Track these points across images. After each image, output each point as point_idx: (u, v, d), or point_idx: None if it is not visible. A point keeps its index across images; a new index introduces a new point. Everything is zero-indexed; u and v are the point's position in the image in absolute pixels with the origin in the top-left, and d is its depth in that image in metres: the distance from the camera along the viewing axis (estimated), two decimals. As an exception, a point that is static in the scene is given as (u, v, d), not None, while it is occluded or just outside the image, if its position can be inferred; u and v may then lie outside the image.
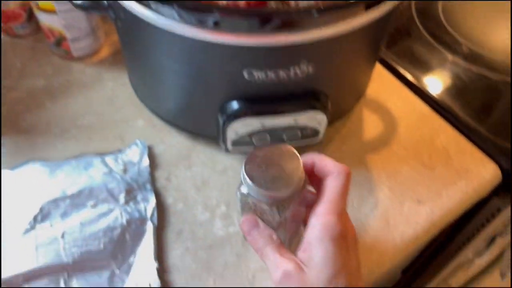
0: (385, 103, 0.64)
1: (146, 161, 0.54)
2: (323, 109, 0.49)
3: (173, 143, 0.57)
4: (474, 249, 0.81)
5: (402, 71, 0.67)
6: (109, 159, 0.53)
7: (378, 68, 0.68)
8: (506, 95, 0.66)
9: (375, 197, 0.54)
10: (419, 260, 0.78)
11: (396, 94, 0.65)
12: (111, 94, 0.61)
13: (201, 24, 0.39)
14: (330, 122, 0.56)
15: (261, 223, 0.40)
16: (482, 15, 0.80)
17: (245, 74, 0.44)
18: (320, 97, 0.49)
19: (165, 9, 0.39)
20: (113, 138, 0.57)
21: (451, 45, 0.73)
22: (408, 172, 0.57)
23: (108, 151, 0.55)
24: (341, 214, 0.36)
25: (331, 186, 0.37)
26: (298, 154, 0.38)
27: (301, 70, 0.44)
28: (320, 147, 0.58)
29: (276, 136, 0.51)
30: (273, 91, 0.47)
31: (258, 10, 0.39)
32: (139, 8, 0.40)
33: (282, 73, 0.44)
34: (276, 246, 0.38)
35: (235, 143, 0.51)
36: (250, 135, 0.50)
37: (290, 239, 0.44)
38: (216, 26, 0.38)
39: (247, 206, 0.40)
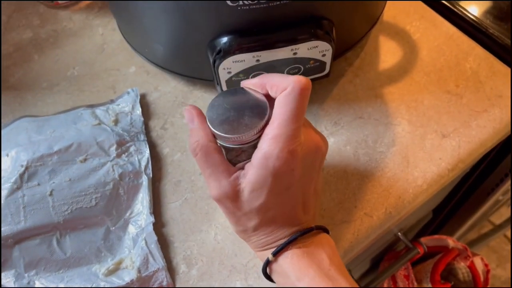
0: (405, 26, 0.56)
1: (138, 110, 0.50)
2: (326, 37, 0.43)
3: (168, 89, 0.53)
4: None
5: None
6: (99, 111, 0.49)
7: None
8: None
9: (393, 133, 0.48)
10: (452, 199, 0.72)
11: (418, 15, 0.57)
12: (101, 41, 0.57)
13: None
14: (340, 53, 0.50)
15: (198, 119, 0.35)
16: None
17: (228, 1, 0.38)
18: (322, 23, 0.43)
19: None
20: (104, 88, 0.53)
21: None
22: (431, 102, 0.50)
23: (100, 102, 0.51)
24: (290, 140, 0.31)
25: (280, 106, 0.32)
26: (266, 100, 0.34)
27: (294, -10, 0.38)
28: (329, 82, 0.52)
29: (275, 72, 0.45)
30: (265, 20, 0.41)
31: None
32: None
33: (271, -4, 0.38)
34: (207, 157, 0.33)
35: (230, 83, 0.46)
36: (246, 73, 0.45)
37: None
38: None
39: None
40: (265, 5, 0.39)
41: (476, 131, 0.48)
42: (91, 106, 0.51)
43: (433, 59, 0.53)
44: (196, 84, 0.53)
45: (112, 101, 0.51)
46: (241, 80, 0.46)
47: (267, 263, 0.35)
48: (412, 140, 0.48)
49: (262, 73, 0.45)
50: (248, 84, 0.36)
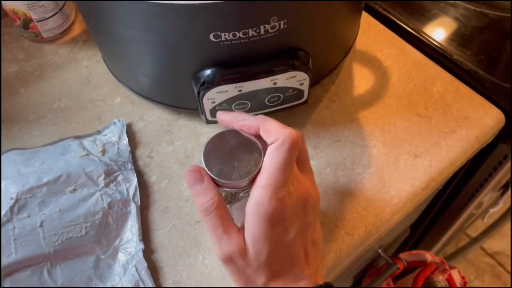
0: (376, 54, 0.59)
1: (125, 140, 0.52)
2: (304, 67, 0.46)
3: (153, 118, 0.55)
4: (486, 198, 0.78)
5: (392, 17, 0.63)
6: (86, 142, 0.51)
7: (367, 17, 0.63)
8: (506, 33, 0.61)
9: (369, 155, 0.51)
10: (427, 215, 0.75)
11: (388, 43, 0.61)
12: (87, 73, 0.59)
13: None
14: (317, 81, 0.53)
15: (207, 178, 0.35)
16: None
17: (212, 37, 0.40)
18: (299, 54, 0.46)
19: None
20: (91, 119, 0.55)
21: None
22: (403, 125, 0.53)
23: (87, 133, 0.52)
24: (278, 188, 0.33)
25: (271, 157, 0.34)
26: (260, 146, 0.36)
27: (273, 27, 0.41)
28: (308, 108, 0.55)
29: (257, 101, 0.48)
30: (247, 53, 0.43)
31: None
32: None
33: (252, 32, 0.41)
34: (221, 215, 0.34)
35: (214, 113, 0.48)
36: (229, 102, 0.47)
37: None
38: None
39: None
40: (245, 40, 0.41)
41: (445, 151, 0.51)
42: (79, 137, 0.52)
43: (403, 84, 0.56)
44: (180, 113, 0.55)
45: (99, 132, 0.53)
46: (225, 109, 0.48)
47: None
48: (387, 161, 0.51)
49: (245, 102, 0.47)
50: (243, 125, 0.37)
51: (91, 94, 0.57)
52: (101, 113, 0.55)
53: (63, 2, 0.60)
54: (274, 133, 0.34)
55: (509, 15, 0.62)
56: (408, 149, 0.51)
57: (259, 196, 0.33)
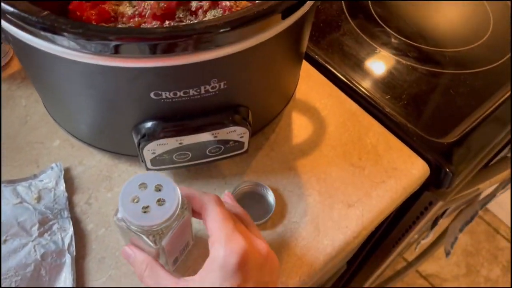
0: (315, 103, 0.62)
1: (62, 186, 0.51)
2: (244, 122, 0.47)
3: (93, 163, 0.54)
4: (417, 232, 0.83)
5: (330, 68, 0.66)
6: (21, 188, 0.50)
7: (307, 66, 0.67)
8: (432, 88, 0.66)
9: (305, 203, 0.54)
10: (362, 252, 0.79)
11: (326, 93, 0.64)
12: (24, 113, 0.57)
13: (96, 51, 0.35)
14: (258, 130, 0.55)
15: (134, 249, 0.40)
16: (413, 7, 0.79)
17: (152, 95, 0.41)
18: (240, 110, 0.47)
19: (54, 36, 0.35)
20: (27, 162, 0.53)
21: (381, 38, 0.72)
22: (338, 174, 0.56)
23: (22, 178, 0.51)
24: (229, 241, 0.35)
25: (208, 220, 0.38)
26: (174, 184, 0.38)
27: (213, 88, 0.42)
28: (249, 155, 0.56)
29: (197, 152, 0.49)
30: (187, 109, 0.44)
31: (155, 34, 0.36)
32: (25, 35, 0.37)
33: (192, 92, 0.42)
34: (156, 269, 0.38)
35: (155, 162, 0.48)
36: (169, 153, 0.48)
37: (174, 261, 0.45)
38: (111, 52, 0.35)
39: (125, 232, 0.39)
40: (186, 98, 0.42)
41: (376, 201, 0.54)
42: (13, 182, 0.50)
43: (339, 134, 0.60)
44: (121, 158, 0.55)
45: (35, 176, 0.52)
46: (165, 159, 0.49)
47: None
48: (322, 210, 0.53)
49: (186, 153, 0.48)
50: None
51: (28, 136, 0.55)
52: (39, 156, 0.54)
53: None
54: (198, 200, 0.39)
55: (437, 70, 0.68)
56: (342, 198, 0.54)
57: (213, 254, 0.36)
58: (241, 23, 0.36)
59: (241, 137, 0.49)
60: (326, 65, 0.66)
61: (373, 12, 0.76)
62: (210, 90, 0.42)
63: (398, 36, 0.72)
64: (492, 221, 1.83)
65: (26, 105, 0.58)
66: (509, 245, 1.77)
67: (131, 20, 0.47)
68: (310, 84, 0.65)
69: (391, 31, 0.73)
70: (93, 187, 0.52)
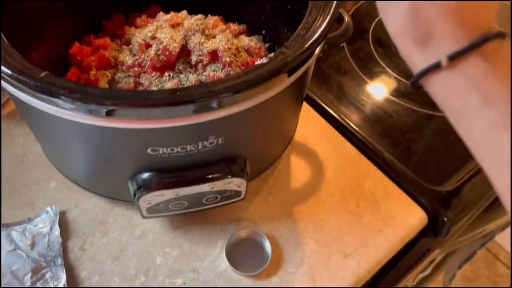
0: (313, 146, 0.62)
1: (57, 231, 0.50)
2: (241, 173, 0.47)
3: (89, 206, 0.54)
4: (415, 273, 0.82)
5: (329, 109, 0.66)
6: (15, 233, 0.49)
7: (306, 107, 0.66)
8: (432, 133, 0.66)
9: (302, 252, 0.53)
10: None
11: (324, 136, 0.64)
12: (22, 152, 0.57)
13: (93, 113, 0.35)
14: (255, 175, 0.55)
15: None
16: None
17: (149, 151, 0.41)
18: (237, 161, 0.47)
19: (52, 99, 0.35)
20: (22, 204, 0.53)
21: (382, 79, 0.72)
22: (335, 222, 0.56)
23: (17, 221, 0.51)
24: None
25: None
26: None
27: (211, 143, 0.42)
28: (246, 200, 0.56)
29: (194, 201, 0.49)
30: (184, 162, 0.44)
31: (153, 100, 0.35)
32: (23, 95, 0.36)
33: (190, 147, 0.42)
34: None
35: (151, 211, 0.48)
36: (165, 203, 0.47)
37: None
38: (109, 115, 0.35)
39: None
40: (183, 153, 0.42)
41: (373, 251, 0.54)
42: (7, 226, 0.50)
43: (337, 179, 0.59)
44: (117, 202, 0.54)
45: (29, 220, 0.51)
46: (161, 208, 0.49)
47: (431, 69, 0.28)
48: (318, 260, 0.53)
49: (182, 202, 0.48)
50: None
51: (25, 177, 0.55)
52: (34, 199, 0.53)
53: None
54: None
55: (437, 113, 0.67)
56: (339, 247, 0.54)
57: None
58: (245, 86, 0.36)
59: (239, 187, 0.49)
60: (325, 106, 0.66)
61: (374, 52, 0.76)
62: (208, 145, 0.42)
63: (399, 77, 0.72)
64: (492, 247, 1.82)
65: (24, 144, 0.58)
66: (508, 272, 1.75)
67: (131, 70, 0.47)
68: (309, 125, 0.64)
69: (392, 72, 0.73)
70: (88, 231, 0.52)
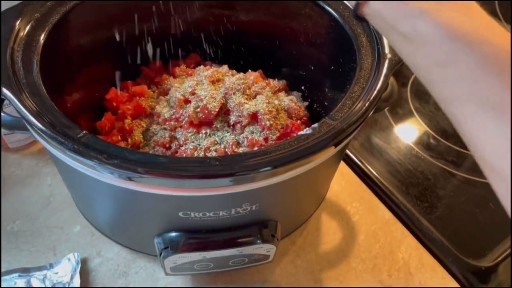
0: (345, 206, 0.60)
1: (77, 282, 0.49)
2: (271, 238, 0.45)
3: (111, 255, 0.52)
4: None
5: (363, 167, 0.64)
6: (35, 280, 0.48)
7: (341, 165, 0.64)
8: (470, 199, 0.62)
9: (328, 324, 0.50)
10: None
11: (358, 195, 0.61)
12: (49, 192, 0.56)
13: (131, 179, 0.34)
14: (285, 235, 0.52)
15: None
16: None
17: (181, 214, 0.39)
18: (268, 225, 0.45)
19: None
20: (44, 248, 0.52)
21: (419, 137, 0.70)
22: (366, 292, 0.53)
23: (37, 267, 0.49)
24: None
25: None
26: None
27: (244, 210, 0.40)
28: (272, 262, 0.53)
29: (220, 263, 0.46)
30: (214, 225, 0.42)
31: (190, 171, 0.33)
32: (58, 153, 0.35)
33: (222, 213, 0.40)
34: None
35: (175, 270, 0.46)
36: (191, 264, 0.45)
37: None
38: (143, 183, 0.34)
39: None
40: (215, 218, 0.40)
41: (404, 328, 0.51)
42: (27, 271, 0.49)
43: (370, 244, 0.56)
44: (140, 253, 0.52)
45: (50, 266, 0.50)
46: (186, 267, 0.47)
47: None
48: (345, 333, 0.50)
49: (208, 264, 0.46)
50: None
51: (49, 219, 0.54)
52: (57, 243, 0.52)
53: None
54: None
55: (476, 178, 0.64)
56: (367, 321, 0.51)
57: None
58: (289, 160, 0.34)
59: (268, 251, 0.47)
60: (359, 163, 0.64)
61: (412, 108, 0.73)
62: (241, 211, 0.40)
63: (437, 136, 0.69)
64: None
65: (52, 184, 0.57)
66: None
67: (167, 123, 0.46)
68: (342, 183, 0.62)
69: (429, 130, 0.70)
70: (109, 283, 0.50)
